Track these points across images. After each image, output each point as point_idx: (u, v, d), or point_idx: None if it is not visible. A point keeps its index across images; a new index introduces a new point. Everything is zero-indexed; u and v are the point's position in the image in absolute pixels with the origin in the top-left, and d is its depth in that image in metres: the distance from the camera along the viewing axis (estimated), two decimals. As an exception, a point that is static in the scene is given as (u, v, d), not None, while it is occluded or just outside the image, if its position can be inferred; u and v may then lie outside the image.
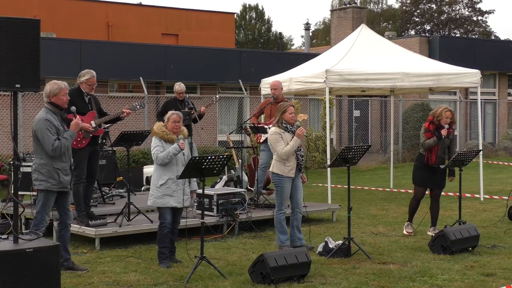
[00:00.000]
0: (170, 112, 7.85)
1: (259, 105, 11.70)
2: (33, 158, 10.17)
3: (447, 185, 15.62)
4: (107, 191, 11.13)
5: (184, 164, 7.71)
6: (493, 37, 49.86)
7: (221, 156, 7.21)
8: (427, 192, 9.65)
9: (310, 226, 9.48)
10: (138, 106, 9.62)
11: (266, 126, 10.94)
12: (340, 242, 8.25)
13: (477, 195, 13.43)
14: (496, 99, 27.95)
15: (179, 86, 11.69)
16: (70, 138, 7.08)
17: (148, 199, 7.86)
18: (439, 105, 9.74)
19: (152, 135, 7.81)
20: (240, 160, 12.20)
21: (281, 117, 8.27)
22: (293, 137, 8.19)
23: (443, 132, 9.23)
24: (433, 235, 9.33)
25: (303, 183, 8.60)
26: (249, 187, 11.84)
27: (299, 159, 8.30)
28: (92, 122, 8.79)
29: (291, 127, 8.24)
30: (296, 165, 8.28)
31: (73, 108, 7.30)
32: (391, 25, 55.74)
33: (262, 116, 12.09)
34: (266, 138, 10.90)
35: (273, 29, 60.11)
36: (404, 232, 9.61)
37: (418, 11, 52.18)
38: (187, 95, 11.78)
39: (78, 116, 7.31)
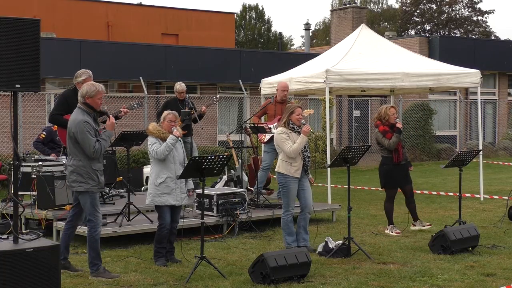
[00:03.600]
0: (166, 112, 7.91)
1: (262, 105, 11.69)
2: (33, 158, 10.24)
3: (447, 185, 15.71)
4: (107, 191, 11.12)
5: (181, 162, 7.74)
6: (493, 37, 49.86)
7: (221, 156, 7.22)
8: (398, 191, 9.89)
9: (317, 227, 9.49)
10: (135, 105, 9.63)
11: (266, 126, 10.95)
12: (340, 242, 8.25)
13: (477, 195, 13.43)
14: (496, 99, 27.96)
15: (180, 85, 11.69)
16: (108, 139, 7.12)
17: (147, 198, 7.88)
18: (382, 106, 10.02)
19: (148, 135, 7.84)
20: (240, 160, 12.20)
21: (288, 118, 8.34)
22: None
23: (399, 125, 9.55)
24: (422, 227, 9.59)
25: (311, 184, 8.64)
26: (249, 187, 11.84)
27: (305, 159, 8.34)
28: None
29: (297, 128, 8.30)
30: (302, 165, 8.32)
31: (105, 108, 7.30)
32: (391, 25, 55.74)
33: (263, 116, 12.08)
34: (270, 138, 10.93)
35: (273, 29, 60.19)
36: (394, 234, 9.62)
37: (418, 11, 52.19)
38: (187, 95, 11.79)
39: (111, 116, 7.31)
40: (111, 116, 7.33)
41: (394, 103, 18.79)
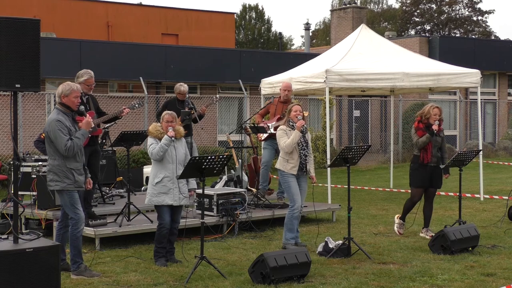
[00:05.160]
0: (164, 112, 7.98)
1: (265, 104, 11.71)
2: (33, 158, 10.25)
3: (447, 185, 15.70)
4: (107, 191, 11.13)
5: (181, 162, 7.74)
6: (493, 37, 49.87)
7: (221, 156, 7.22)
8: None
9: (318, 227, 9.47)
10: (136, 105, 9.64)
11: (266, 125, 10.94)
12: (340, 242, 8.25)
13: (477, 195, 13.43)
14: (496, 99, 27.96)
15: (183, 87, 11.64)
16: (83, 137, 7.10)
17: (146, 198, 7.89)
18: (429, 103, 9.65)
19: (148, 135, 7.90)
20: (240, 160, 12.20)
21: (288, 117, 8.52)
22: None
23: (434, 127, 9.18)
24: (426, 236, 9.31)
25: (313, 183, 8.66)
26: (249, 187, 11.83)
27: (302, 157, 8.36)
28: (92, 122, 8.78)
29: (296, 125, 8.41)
30: (299, 164, 8.36)
31: (82, 107, 7.30)
32: (391, 25, 55.75)
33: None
34: (268, 135, 10.94)
35: (273, 29, 60.16)
36: (396, 231, 9.57)
37: (418, 11, 52.19)
38: (188, 95, 11.78)
39: (88, 115, 7.33)
40: (88, 114, 7.35)
41: (394, 103, 18.83)
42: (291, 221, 8.49)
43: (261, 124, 11.08)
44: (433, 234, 9.31)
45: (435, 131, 9.19)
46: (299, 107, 8.53)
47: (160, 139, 7.75)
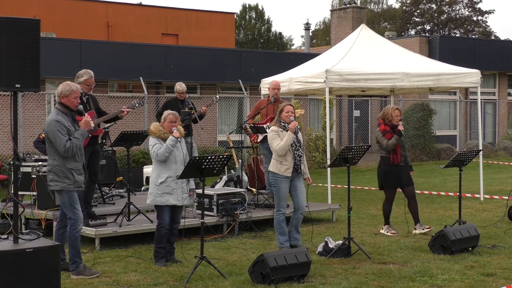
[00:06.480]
0: (166, 112, 7.92)
1: (255, 106, 11.67)
2: (33, 158, 10.26)
3: (447, 185, 15.72)
4: (107, 191, 11.13)
5: (183, 162, 7.74)
6: (493, 37, 49.88)
7: (221, 156, 7.22)
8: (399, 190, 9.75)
9: (312, 227, 9.48)
10: (137, 105, 9.63)
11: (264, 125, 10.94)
12: (340, 242, 8.25)
13: (477, 195, 13.43)
14: (496, 99, 27.96)
15: (180, 86, 11.68)
16: (82, 137, 7.10)
17: (147, 197, 7.87)
18: (388, 106, 9.93)
19: (150, 135, 7.87)
20: (240, 160, 12.20)
21: (279, 117, 8.37)
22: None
23: (400, 128, 9.47)
24: (422, 231, 9.46)
25: (308, 185, 8.61)
26: (249, 187, 11.83)
27: (296, 158, 8.29)
28: (91, 122, 8.78)
29: (288, 126, 8.28)
30: (294, 165, 8.28)
31: (81, 107, 7.29)
32: (391, 25, 55.75)
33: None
34: (263, 137, 10.92)
35: (273, 29, 60.20)
36: (389, 234, 9.60)
37: (418, 11, 52.21)
38: (188, 95, 11.79)
39: (86, 114, 7.32)
40: (86, 114, 7.36)
41: (394, 103, 18.82)
42: (280, 225, 8.44)
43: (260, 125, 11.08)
44: (428, 227, 9.43)
45: (402, 131, 9.49)
46: (291, 108, 8.35)
47: (162, 139, 7.72)
